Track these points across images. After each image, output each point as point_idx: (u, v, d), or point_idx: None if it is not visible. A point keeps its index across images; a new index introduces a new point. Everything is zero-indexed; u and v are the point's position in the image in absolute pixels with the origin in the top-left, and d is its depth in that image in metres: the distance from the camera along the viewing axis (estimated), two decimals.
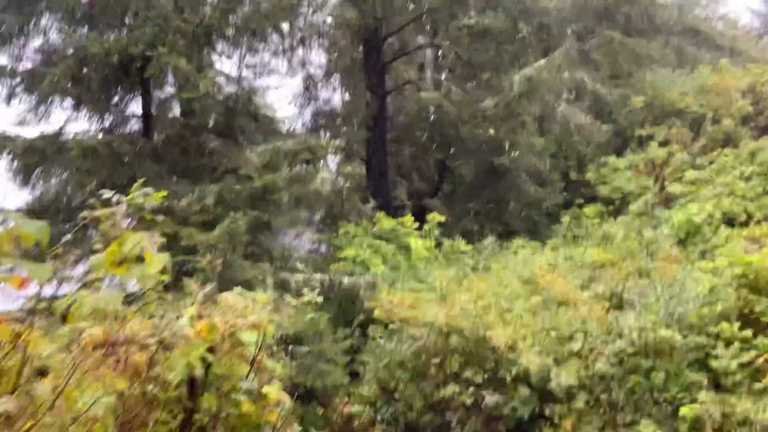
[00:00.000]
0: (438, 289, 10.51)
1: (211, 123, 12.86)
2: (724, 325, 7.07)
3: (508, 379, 8.38)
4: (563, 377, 8.16)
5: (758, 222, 17.38)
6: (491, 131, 18.07)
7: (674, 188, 20.24)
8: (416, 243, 14.92)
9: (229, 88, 14.32)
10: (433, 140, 21.94)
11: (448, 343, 9.01)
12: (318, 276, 13.04)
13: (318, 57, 22.63)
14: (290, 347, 11.14)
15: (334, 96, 23.23)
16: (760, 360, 7.00)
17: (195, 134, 13.26)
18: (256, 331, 3.43)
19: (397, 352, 9.30)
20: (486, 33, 18.44)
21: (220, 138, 13.27)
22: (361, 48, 21.20)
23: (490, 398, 8.40)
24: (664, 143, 22.88)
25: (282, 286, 12.32)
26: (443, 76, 20.89)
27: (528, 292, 9.96)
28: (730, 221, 18.03)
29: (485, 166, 19.50)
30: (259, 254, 12.44)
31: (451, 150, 20.87)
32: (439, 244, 15.86)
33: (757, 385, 6.87)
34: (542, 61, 17.49)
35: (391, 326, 9.65)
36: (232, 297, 3.68)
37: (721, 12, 37.62)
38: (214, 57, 14.80)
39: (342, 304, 12.56)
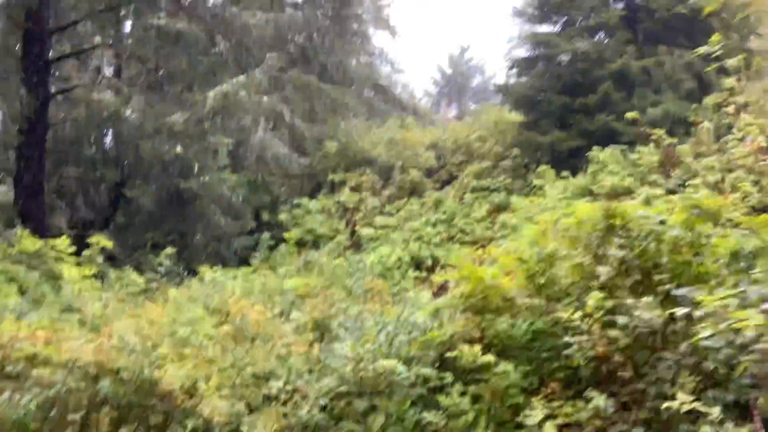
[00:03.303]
0: (89, 317, 7.63)
1: None
2: (465, 348, 5.66)
3: None
4: (260, 429, 6.00)
5: (443, 267, 17.73)
6: (179, 149, 15.55)
7: (365, 232, 19.95)
8: (71, 271, 11.56)
9: None
10: (106, 159, 18.54)
11: (96, 391, 6.24)
12: None
13: None
14: None
15: None
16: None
17: None
18: None
19: (14, 408, 6.20)
20: (178, 39, 16.12)
21: None
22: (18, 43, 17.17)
23: None
24: (355, 189, 22.85)
25: None
26: (124, 85, 17.80)
27: (216, 323, 7.67)
28: (417, 265, 18.14)
29: (169, 191, 16.80)
30: None
31: (128, 171, 17.72)
32: (103, 276, 12.66)
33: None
34: (241, 77, 15.73)
35: (8, 369, 6.50)
36: None
37: (404, 79, 41.00)
38: None
39: None
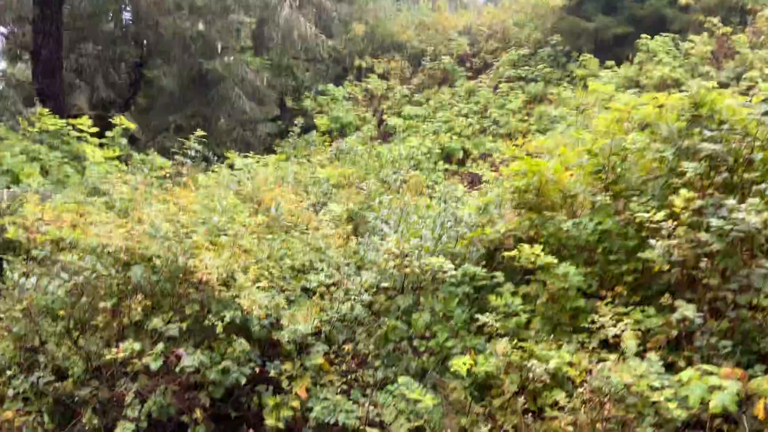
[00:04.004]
0: (117, 201, 7.22)
1: None
2: (524, 247, 5.17)
3: (219, 328, 5.64)
4: (299, 323, 5.68)
5: (474, 159, 17.11)
6: (201, 27, 14.62)
7: (393, 121, 19.20)
8: (93, 151, 11.11)
9: None
10: (126, 36, 17.64)
11: (127, 278, 5.91)
12: None
13: None
14: None
15: None
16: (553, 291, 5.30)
17: None
18: None
19: (43, 293, 5.92)
20: None
21: None
22: None
23: (189, 358, 5.59)
24: (383, 76, 21.87)
25: None
26: None
27: (250, 211, 7.24)
28: (447, 157, 17.53)
29: (191, 72, 16.02)
30: None
31: (148, 50, 16.87)
32: (127, 159, 12.22)
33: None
34: None
35: (35, 253, 6.17)
36: None
37: None
38: None
39: None
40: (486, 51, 21.59)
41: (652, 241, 4.90)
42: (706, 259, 4.60)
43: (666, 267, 4.83)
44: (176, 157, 9.29)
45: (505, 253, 5.78)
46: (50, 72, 16.20)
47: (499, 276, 6.02)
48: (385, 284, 6.37)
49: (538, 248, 5.35)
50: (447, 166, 16.70)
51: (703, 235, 4.59)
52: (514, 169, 5.91)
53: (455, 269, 6.04)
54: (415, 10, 24.41)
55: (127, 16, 17.88)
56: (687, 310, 4.47)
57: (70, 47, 17.52)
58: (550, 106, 17.25)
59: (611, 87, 13.45)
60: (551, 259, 5.34)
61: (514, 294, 5.79)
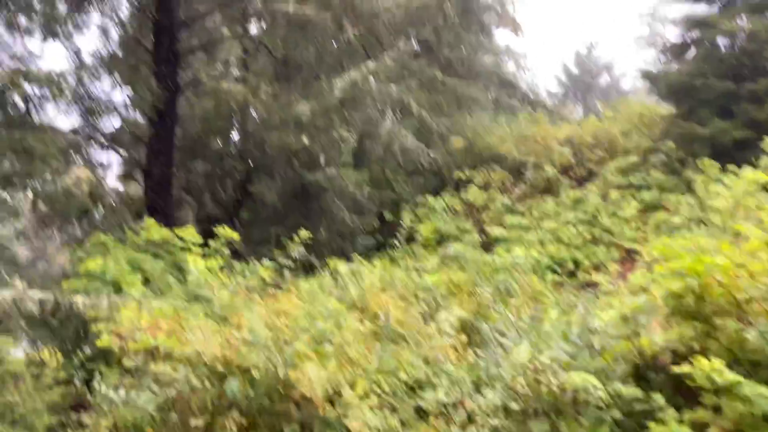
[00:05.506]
0: (216, 307, 6.74)
1: None
2: (702, 361, 4.16)
3: None
4: None
5: (587, 270, 15.96)
6: (305, 140, 14.79)
7: (496, 232, 18.45)
8: (196, 261, 10.92)
9: None
10: (233, 153, 18.20)
11: (222, 392, 5.26)
12: (37, 294, 8.69)
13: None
14: None
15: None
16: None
17: None
18: None
19: (132, 408, 5.35)
20: (306, 26, 15.42)
21: None
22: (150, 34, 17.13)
23: None
24: (483, 187, 21.43)
25: None
26: (251, 75, 17.35)
27: (355, 318, 6.55)
28: (555, 268, 16.46)
29: (293, 184, 16.11)
30: None
31: (253, 165, 17.24)
32: (229, 269, 11.99)
33: None
34: (371, 64, 14.75)
35: (127, 363, 5.67)
36: None
37: (528, 77, 39.24)
38: None
39: (69, 334, 8.28)
40: (590, 160, 20.81)
41: None
42: None
43: None
44: (279, 259, 8.88)
45: (675, 369, 4.72)
46: (160, 188, 16.76)
47: (658, 398, 4.94)
48: (513, 405, 5.40)
49: (718, 363, 4.31)
50: (556, 276, 15.62)
51: None
52: (673, 267, 4.96)
53: (602, 389, 5.02)
54: (513, 123, 24.22)
55: (234, 134, 18.55)
56: None
57: (180, 165, 18.21)
58: (667, 213, 16.09)
59: (734, 190, 12.30)
60: (736, 376, 4.27)
61: (680, 422, 4.68)
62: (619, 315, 5.85)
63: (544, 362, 5.18)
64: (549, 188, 20.33)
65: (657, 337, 5.15)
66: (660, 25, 35.13)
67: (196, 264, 10.99)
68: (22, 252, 16.57)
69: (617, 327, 5.78)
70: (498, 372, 5.72)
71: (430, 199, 20.28)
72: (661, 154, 18.58)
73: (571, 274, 16.10)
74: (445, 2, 17.97)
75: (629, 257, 16.33)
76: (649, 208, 16.96)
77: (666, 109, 19.86)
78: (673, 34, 20.16)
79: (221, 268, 11.46)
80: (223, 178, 18.52)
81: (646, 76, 21.02)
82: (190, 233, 12.01)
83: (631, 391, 4.97)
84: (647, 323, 5.76)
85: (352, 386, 5.16)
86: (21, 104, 13.21)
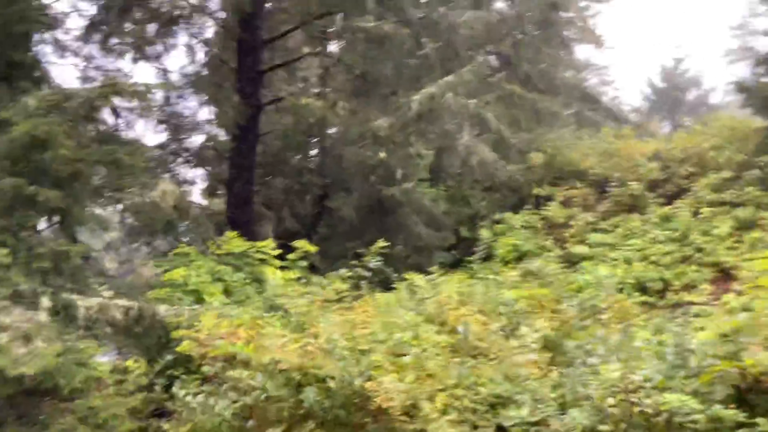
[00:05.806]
0: (293, 315, 6.72)
1: None
2: None
3: None
4: None
5: (676, 291, 15.16)
6: (382, 155, 14.79)
7: (578, 250, 17.83)
8: (274, 273, 11.04)
9: None
10: (311, 169, 18.44)
11: (299, 401, 5.19)
12: (122, 303, 8.95)
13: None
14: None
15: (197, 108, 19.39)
16: None
17: None
18: None
19: (210, 413, 5.35)
20: (384, 42, 15.48)
21: None
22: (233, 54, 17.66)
23: None
24: (564, 203, 20.82)
25: (65, 310, 8.22)
26: (329, 91, 17.58)
27: (433, 331, 6.37)
28: (642, 288, 15.72)
29: (370, 199, 16.12)
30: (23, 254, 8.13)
31: (331, 180, 17.40)
32: (306, 282, 12.08)
33: None
34: (449, 78, 14.63)
35: (205, 369, 5.70)
36: None
37: (612, 92, 38.26)
38: None
39: (152, 341, 8.45)
40: (679, 176, 19.88)
41: None
42: None
43: None
44: (356, 269, 8.84)
45: None
46: (242, 203, 17.13)
47: (763, 423, 4.53)
48: (602, 427, 5.07)
49: None
50: (644, 296, 14.90)
51: None
52: None
53: (700, 411, 4.64)
54: (596, 138, 23.49)
55: (313, 150, 18.80)
56: None
57: (260, 180, 18.60)
58: (764, 231, 15.14)
59: None
60: None
61: None
62: (717, 334, 5.44)
63: (637, 381, 4.85)
64: (635, 205, 19.53)
65: (763, 357, 4.74)
66: (751, 38, 33.58)
67: (274, 275, 11.11)
68: (110, 263, 17.24)
69: (716, 346, 5.37)
70: (585, 391, 5.41)
71: (508, 215, 19.88)
72: (756, 170, 17.55)
73: (660, 294, 15.32)
74: (524, 17, 17.65)
75: (723, 277, 15.43)
76: (743, 226, 16.00)
77: (760, 122, 18.78)
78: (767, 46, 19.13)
79: (298, 280, 11.54)
80: (302, 193, 18.78)
81: (740, 88, 19.95)
82: (269, 245, 12.17)
83: (732, 414, 4.57)
84: (748, 343, 5.33)
85: (431, 400, 4.98)
86: (111, 119, 13.92)
